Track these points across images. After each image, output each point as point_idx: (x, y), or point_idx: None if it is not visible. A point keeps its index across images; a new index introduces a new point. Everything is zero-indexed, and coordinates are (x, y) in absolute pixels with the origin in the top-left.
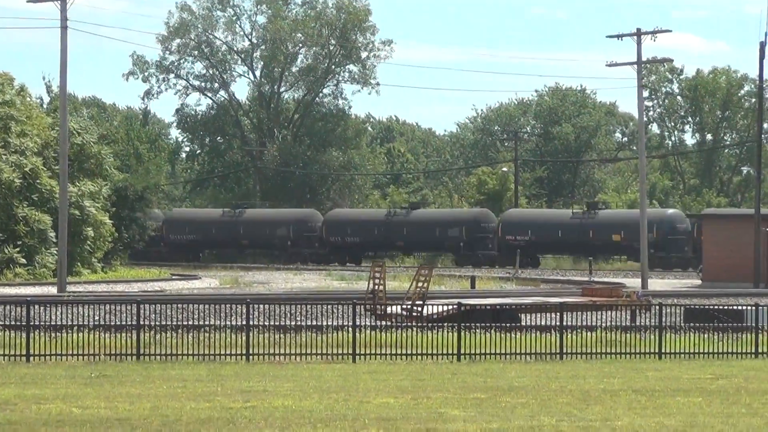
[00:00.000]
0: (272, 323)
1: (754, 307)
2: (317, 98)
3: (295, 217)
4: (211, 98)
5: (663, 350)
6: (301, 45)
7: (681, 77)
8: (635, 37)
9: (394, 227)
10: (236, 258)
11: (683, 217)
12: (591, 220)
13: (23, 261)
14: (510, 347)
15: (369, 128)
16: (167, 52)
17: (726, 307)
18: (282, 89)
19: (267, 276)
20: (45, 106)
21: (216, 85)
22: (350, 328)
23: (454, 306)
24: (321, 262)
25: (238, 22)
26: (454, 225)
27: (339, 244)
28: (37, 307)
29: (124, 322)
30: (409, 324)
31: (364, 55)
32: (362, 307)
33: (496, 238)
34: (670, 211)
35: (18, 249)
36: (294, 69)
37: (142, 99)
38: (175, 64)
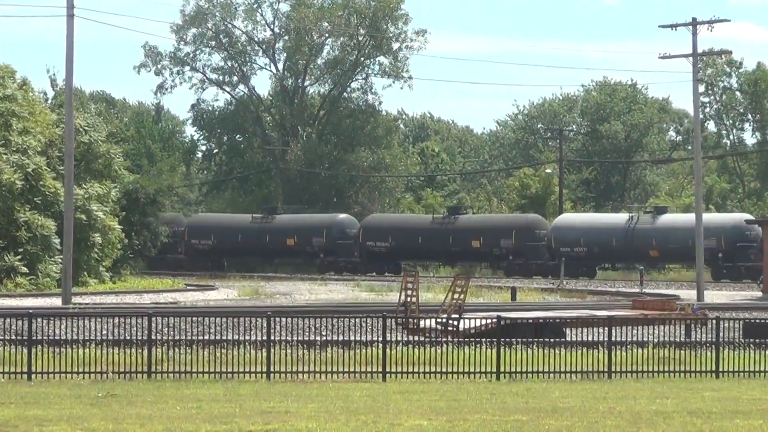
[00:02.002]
0: (295, 338)
1: None
2: (345, 93)
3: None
4: (229, 93)
5: (720, 368)
6: (327, 35)
7: (740, 71)
8: (690, 27)
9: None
10: (264, 267)
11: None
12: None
13: (25, 270)
14: (554, 365)
15: (401, 126)
16: (182, 43)
17: None
18: (306, 83)
19: (290, 286)
20: (49, 101)
21: (235, 78)
22: (380, 344)
23: (493, 319)
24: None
25: (259, 10)
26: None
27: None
28: (39, 320)
29: (134, 337)
30: (444, 339)
31: (395, 46)
32: (393, 320)
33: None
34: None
35: (19, 257)
36: (319, 61)
37: (155, 93)
38: (191, 55)
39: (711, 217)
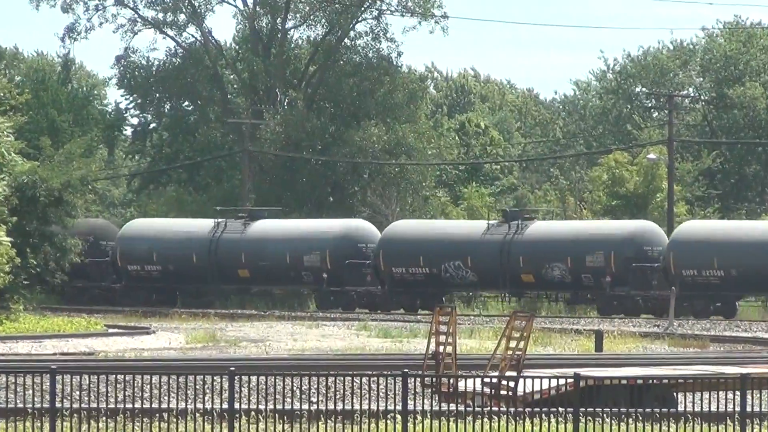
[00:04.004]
0: (270, 406)
1: None
2: (346, 39)
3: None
4: (173, 39)
5: None
6: None
7: None
8: None
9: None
10: (232, 301)
11: None
12: None
13: None
14: None
15: (431, 89)
16: None
17: None
18: (289, 24)
19: (264, 329)
20: None
21: (182, 17)
22: (398, 416)
23: (569, 380)
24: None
25: None
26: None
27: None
28: None
29: (28, 404)
30: (495, 408)
31: None
32: (419, 380)
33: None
34: None
35: None
36: None
37: (62, 40)
38: None
39: None
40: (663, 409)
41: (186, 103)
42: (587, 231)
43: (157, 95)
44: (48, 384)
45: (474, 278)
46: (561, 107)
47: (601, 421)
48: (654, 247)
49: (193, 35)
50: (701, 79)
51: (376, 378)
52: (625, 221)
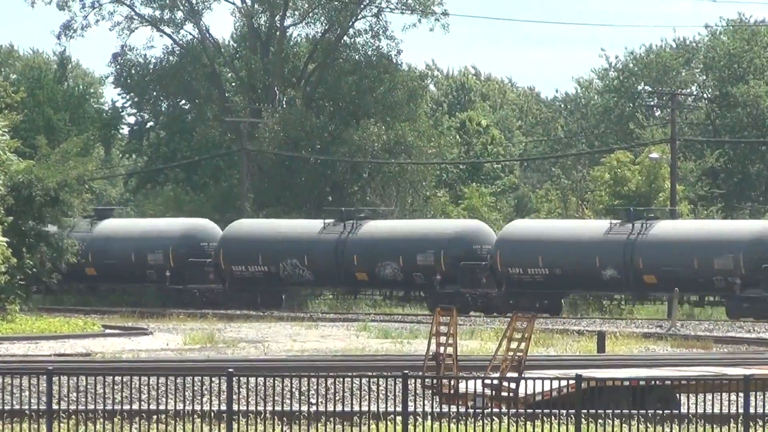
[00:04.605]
0: (269, 408)
1: None
2: (346, 37)
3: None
4: (170, 37)
5: None
6: None
7: None
8: None
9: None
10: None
11: None
12: None
13: None
14: None
15: (431, 87)
16: None
17: None
18: (288, 22)
19: (262, 329)
20: None
21: (179, 14)
22: (399, 417)
23: (571, 381)
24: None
25: None
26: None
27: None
28: None
29: (25, 406)
30: (496, 410)
31: None
32: (419, 381)
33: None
34: None
35: None
36: None
37: (58, 38)
38: None
39: None
40: (666, 411)
41: (183, 101)
42: (418, 230)
43: (154, 93)
44: (45, 385)
45: (310, 276)
46: (562, 106)
47: (603, 423)
48: (483, 246)
49: (190, 33)
50: (704, 77)
51: (376, 379)
52: (455, 220)
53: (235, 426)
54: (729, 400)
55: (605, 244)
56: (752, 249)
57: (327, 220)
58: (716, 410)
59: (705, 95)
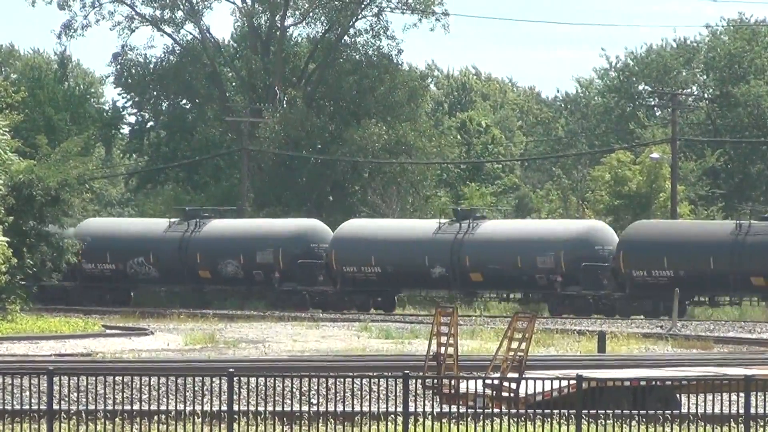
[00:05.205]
0: (270, 408)
1: None
2: (346, 37)
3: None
4: (170, 36)
5: None
6: None
7: None
8: None
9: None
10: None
11: None
12: None
13: None
14: None
15: (432, 87)
16: None
17: None
18: (288, 22)
19: (263, 330)
20: None
21: (180, 14)
22: (399, 417)
23: (571, 381)
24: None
25: None
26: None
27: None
28: None
29: (25, 406)
30: (496, 410)
31: None
32: (420, 382)
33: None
34: None
35: None
36: None
37: (59, 37)
38: None
39: None
40: (666, 411)
41: (184, 101)
42: (258, 229)
43: (155, 93)
44: (45, 385)
45: (156, 274)
46: (563, 106)
47: (603, 423)
48: (320, 245)
49: (190, 32)
50: (705, 77)
51: (376, 379)
52: (293, 220)
53: (235, 426)
54: (729, 401)
55: (434, 244)
56: (572, 248)
57: (172, 220)
58: (717, 410)
59: (706, 95)
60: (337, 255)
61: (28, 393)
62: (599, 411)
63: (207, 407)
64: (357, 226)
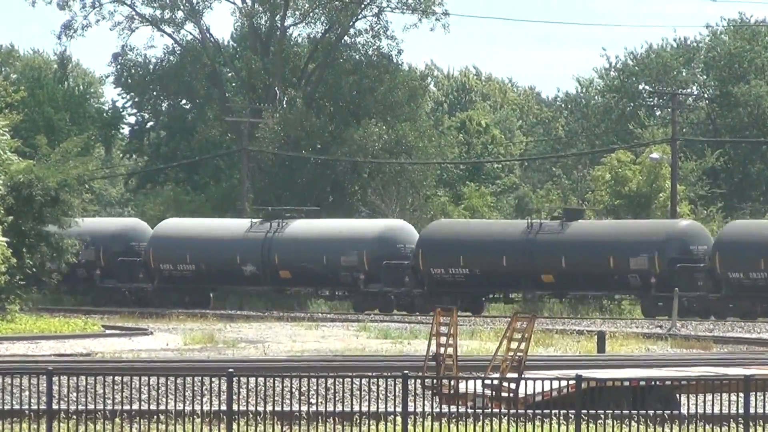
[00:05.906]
0: (269, 408)
1: None
2: (346, 37)
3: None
4: (170, 36)
5: None
6: None
7: None
8: None
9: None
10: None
11: None
12: None
13: None
14: None
15: (431, 87)
16: None
17: None
18: (288, 22)
19: (261, 330)
20: None
21: (180, 14)
22: (399, 417)
23: (571, 381)
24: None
25: None
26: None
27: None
28: None
29: (24, 406)
30: (496, 410)
31: None
32: (419, 382)
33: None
34: None
35: None
36: None
37: (59, 37)
38: None
39: None
40: (666, 411)
41: (184, 101)
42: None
43: (155, 93)
44: (45, 385)
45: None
46: (563, 105)
47: (603, 423)
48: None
49: (190, 33)
50: (705, 77)
51: (376, 379)
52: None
53: (235, 426)
54: (729, 401)
55: (245, 242)
56: (374, 246)
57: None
58: (716, 410)
59: (706, 95)
60: (155, 253)
61: (27, 393)
62: (599, 411)
63: (206, 407)
64: (174, 226)
